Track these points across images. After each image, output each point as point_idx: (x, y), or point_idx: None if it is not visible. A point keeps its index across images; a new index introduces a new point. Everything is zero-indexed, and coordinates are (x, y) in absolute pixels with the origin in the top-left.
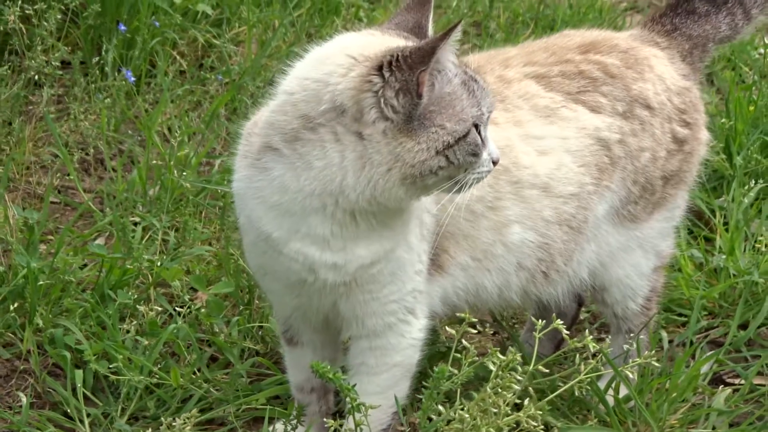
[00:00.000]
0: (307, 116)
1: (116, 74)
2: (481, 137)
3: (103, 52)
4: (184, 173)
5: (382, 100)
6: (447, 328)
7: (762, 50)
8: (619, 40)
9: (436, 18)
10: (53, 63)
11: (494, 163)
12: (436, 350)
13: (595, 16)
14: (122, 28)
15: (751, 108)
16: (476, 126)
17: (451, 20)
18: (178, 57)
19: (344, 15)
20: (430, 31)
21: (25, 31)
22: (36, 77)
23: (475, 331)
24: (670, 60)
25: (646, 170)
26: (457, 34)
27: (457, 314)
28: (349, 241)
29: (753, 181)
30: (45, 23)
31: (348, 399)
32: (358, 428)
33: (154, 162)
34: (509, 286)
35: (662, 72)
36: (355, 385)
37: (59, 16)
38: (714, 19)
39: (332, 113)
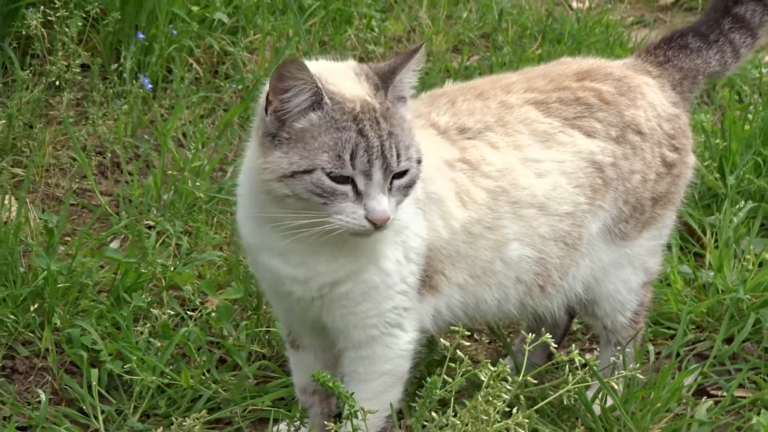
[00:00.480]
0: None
1: (134, 80)
2: (354, 188)
3: (122, 59)
4: (198, 183)
5: (259, 113)
6: (441, 340)
7: (763, 69)
8: (613, 69)
9: (447, 29)
10: (74, 69)
11: (372, 223)
12: (432, 358)
13: (602, 31)
14: (141, 36)
15: (746, 128)
16: (337, 177)
17: (461, 32)
18: (194, 64)
19: (357, 25)
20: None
21: (46, 36)
22: (56, 81)
23: (469, 343)
24: (661, 88)
25: (636, 191)
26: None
27: (452, 327)
28: (308, 257)
29: (744, 201)
30: (66, 29)
31: (347, 405)
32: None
33: (170, 170)
34: (508, 299)
35: (653, 99)
36: (351, 401)
37: (80, 23)
38: (705, 55)
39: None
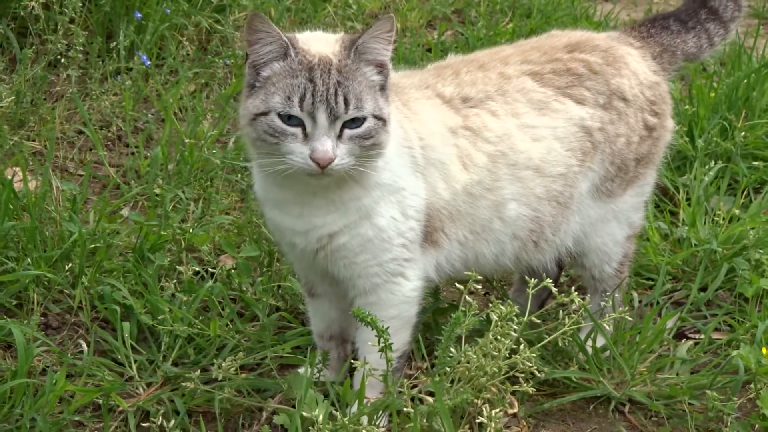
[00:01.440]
0: None
1: (132, 58)
2: (303, 131)
3: (120, 37)
4: (214, 151)
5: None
6: (457, 284)
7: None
8: (599, 41)
9: (421, 5)
10: (77, 47)
11: (315, 162)
12: (437, 306)
13: (568, 5)
14: (138, 15)
15: (712, 95)
16: (285, 116)
17: (434, 8)
18: (185, 42)
19: (335, 2)
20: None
21: (43, 17)
22: (56, 59)
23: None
24: (643, 57)
25: (621, 153)
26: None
27: (465, 273)
28: (304, 209)
29: (713, 162)
30: (65, 10)
31: (382, 339)
32: (389, 363)
33: (173, 141)
34: (504, 254)
35: (636, 68)
36: (386, 335)
37: (80, 4)
38: (683, 36)
39: None
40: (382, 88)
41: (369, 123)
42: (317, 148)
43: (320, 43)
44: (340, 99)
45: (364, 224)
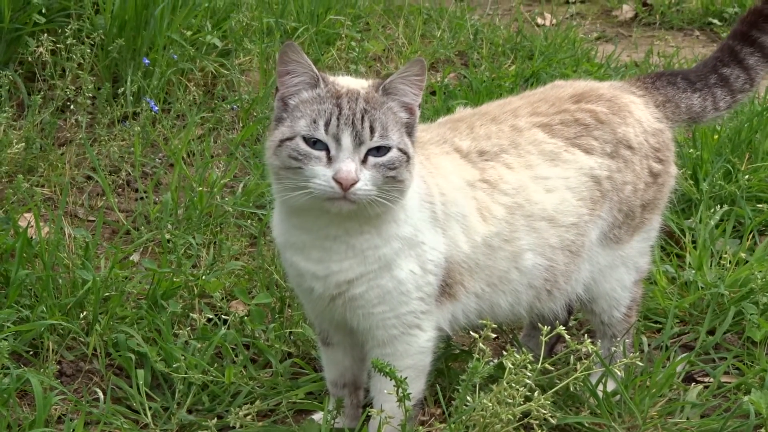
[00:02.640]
0: None
1: (140, 103)
2: (328, 155)
3: (127, 83)
4: (226, 198)
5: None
6: (471, 332)
7: None
8: (603, 90)
9: (423, 47)
10: (86, 93)
11: (338, 182)
12: (450, 352)
13: (569, 47)
14: (146, 61)
15: (715, 138)
16: (310, 140)
17: (437, 50)
18: (192, 87)
19: (338, 45)
20: None
21: (50, 62)
22: (65, 105)
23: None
24: (646, 105)
25: (628, 200)
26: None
27: (479, 321)
28: (323, 254)
29: (718, 205)
30: (73, 56)
31: (401, 389)
32: (407, 413)
33: (182, 187)
34: (519, 303)
35: (640, 116)
36: (404, 385)
37: (88, 50)
38: (689, 94)
39: None
40: (409, 128)
41: (394, 153)
42: (341, 168)
43: (349, 82)
44: (366, 125)
45: (384, 275)
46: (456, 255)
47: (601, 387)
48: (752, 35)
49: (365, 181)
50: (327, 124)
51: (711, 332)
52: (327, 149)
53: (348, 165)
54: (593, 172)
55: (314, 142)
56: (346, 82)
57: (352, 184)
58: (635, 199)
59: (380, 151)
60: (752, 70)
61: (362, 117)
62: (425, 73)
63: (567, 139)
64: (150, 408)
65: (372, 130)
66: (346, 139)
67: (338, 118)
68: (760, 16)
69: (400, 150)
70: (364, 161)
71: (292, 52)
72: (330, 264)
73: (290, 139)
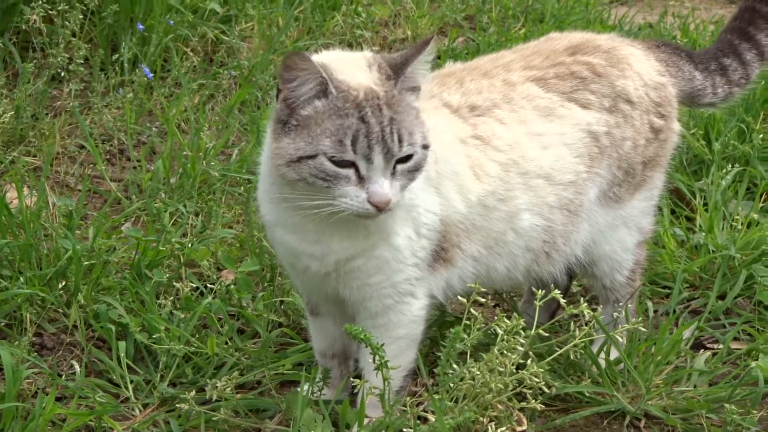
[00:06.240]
0: None
1: (135, 70)
2: (357, 173)
3: (122, 50)
4: (213, 163)
5: (273, 100)
6: (459, 297)
7: None
8: (601, 41)
9: (432, 12)
10: (78, 60)
11: (374, 205)
12: (444, 320)
13: (582, 9)
14: (141, 27)
15: None
16: (338, 161)
17: (445, 14)
18: (190, 53)
19: (344, 11)
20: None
21: (45, 30)
22: (59, 73)
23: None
24: (646, 57)
25: (628, 157)
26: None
27: (468, 285)
28: (322, 235)
29: (730, 165)
30: (67, 23)
31: (377, 357)
32: (386, 382)
33: (176, 154)
34: (516, 267)
35: (640, 69)
36: (381, 352)
37: (81, 17)
38: (692, 68)
39: None
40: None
41: (418, 154)
42: (377, 191)
43: (352, 68)
44: (395, 137)
45: (382, 245)
46: (452, 215)
47: (603, 355)
48: (749, 31)
49: (396, 193)
50: (354, 143)
51: (721, 297)
52: (355, 166)
53: (383, 186)
54: (591, 127)
55: (341, 161)
56: (349, 69)
57: (388, 205)
58: (635, 156)
59: (407, 156)
60: (748, 66)
61: (390, 130)
62: (434, 51)
63: (562, 94)
64: (132, 381)
65: (401, 141)
66: (378, 158)
67: (366, 136)
68: (754, 12)
69: (423, 146)
70: (393, 172)
71: (300, 60)
72: (330, 244)
73: (312, 157)
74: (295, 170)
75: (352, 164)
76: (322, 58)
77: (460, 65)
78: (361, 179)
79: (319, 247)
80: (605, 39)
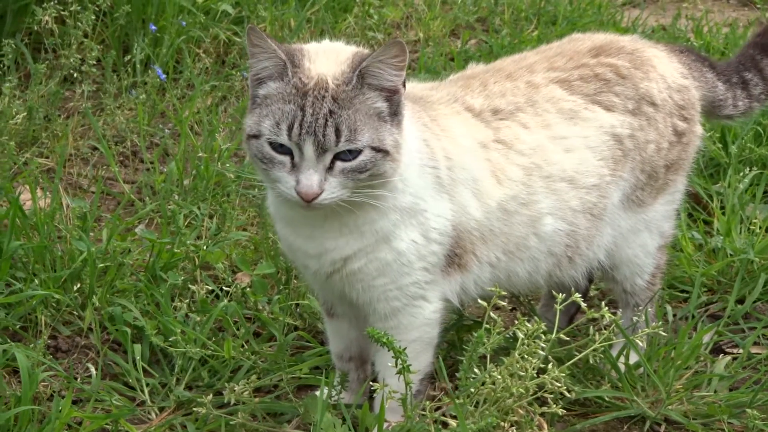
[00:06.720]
0: None
1: (148, 72)
2: (292, 160)
3: (134, 51)
4: (227, 164)
5: None
6: (479, 300)
7: None
8: (624, 42)
9: (444, 14)
10: (90, 61)
11: (300, 196)
12: (462, 323)
13: (595, 12)
14: (153, 27)
15: None
16: (275, 145)
17: (458, 16)
18: (202, 54)
19: (356, 12)
20: None
21: (57, 31)
22: (71, 74)
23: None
24: (669, 59)
25: (651, 160)
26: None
27: (488, 289)
28: (316, 230)
29: (747, 169)
30: (79, 24)
31: (399, 361)
32: (408, 386)
33: (189, 156)
34: (538, 272)
35: (664, 71)
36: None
37: (93, 18)
38: (715, 77)
39: None
40: (395, 114)
41: (365, 156)
42: (302, 182)
43: (329, 60)
44: (330, 130)
45: (382, 248)
46: (466, 222)
47: (622, 359)
48: None
49: (331, 190)
50: (290, 129)
51: (740, 301)
52: (291, 153)
53: (309, 178)
54: (614, 130)
55: (280, 145)
56: (324, 59)
57: (314, 197)
58: (659, 159)
59: (351, 153)
60: None
61: (325, 122)
62: (405, 54)
63: (587, 96)
64: (147, 384)
65: (338, 135)
66: (308, 149)
67: (301, 125)
68: None
69: (374, 149)
70: (331, 167)
71: (254, 36)
72: (323, 242)
73: (256, 137)
74: (248, 148)
75: (289, 151)
76: (311, 46)
77: (483, 66)
78: (294, 167)
79: (312, 245)
80: (628, 40)
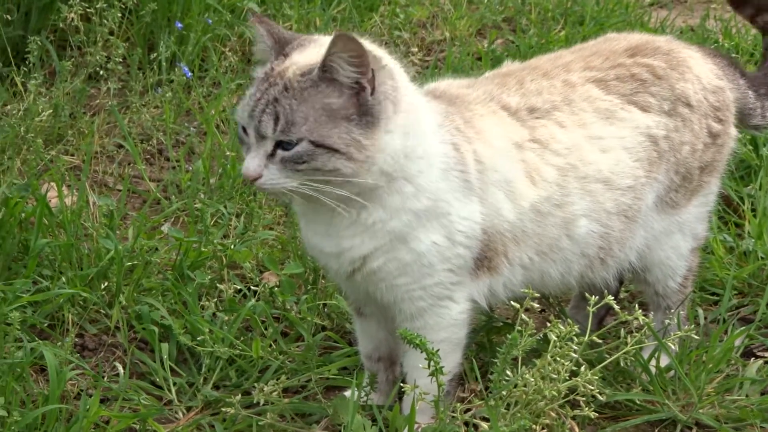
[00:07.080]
0: None
1: (173, 69)
2: (250, 143)
3: (160, 48)
4: None
5: None
6: (512, 302)
7: None
8: (660, 43)
9: (470, 13)
10: (115, 59)
11: (243, 175)
12: (492, 325)
13: (622, 12)
14: (179, 25)
15: None
16: (240, 127)
17: (484, 16)
18: (228, 53)
19: (381, 11)
20: None
21: (82, 28)
22: (96, 72)
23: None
24: (704, 60)
25: (686, 161)
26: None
27: (521, 291)
28: (331, 228)
29: None
30: (105, 21)
31: (432, 363)
32: (440, 388)
33: (215, 155)
34: (570, 273)
35: (699, 72)
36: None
37: (119, 15)
38: (746, 84)
39: None
40: (364, 114)
41: (301, 147)
42: (244, 164)
43: (319, 51)
44: (267, 117)
45: (400, 248)
46: (498, 224)
47: (653, 362)
48: None
49: (270, 176)
50: (243, 112)
51: None
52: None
53: (249, 160)
54: (650, 131)
55: (242, 128)
56: (312, 49)
57: (254, 180)
58: (693, 161)
59: (290, 143)
60: None
61: (264, 109)
62: (356, 49)
63: (623, 96)
64: (174, 383)
65: (276, 123)
66: (251, 132)
67: (253, 109)
68: None
69: (314, 143)
70: (273, 154)
71: (256, 20)
72: (339, 240)
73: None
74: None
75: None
76: (320, 38)
77: (518, 64)
78: (248, 148)
79: (330, 243)
80: (664, 41)
